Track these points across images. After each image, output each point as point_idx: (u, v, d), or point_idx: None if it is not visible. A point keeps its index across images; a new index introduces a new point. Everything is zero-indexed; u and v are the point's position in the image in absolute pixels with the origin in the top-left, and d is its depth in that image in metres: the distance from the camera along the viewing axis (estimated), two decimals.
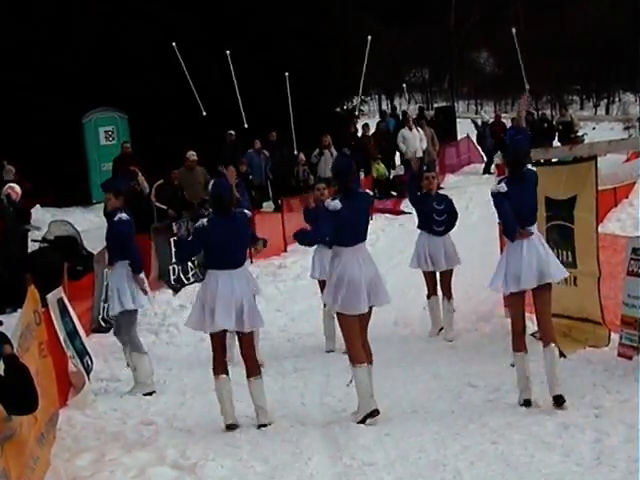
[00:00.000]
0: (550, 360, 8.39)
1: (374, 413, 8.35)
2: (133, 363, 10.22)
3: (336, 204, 8.41)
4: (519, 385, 8.56)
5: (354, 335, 8.50)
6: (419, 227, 11.99)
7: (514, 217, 8.44)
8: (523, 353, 8.52)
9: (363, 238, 8.56)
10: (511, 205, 8.43)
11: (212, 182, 9.04)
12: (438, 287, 11.94)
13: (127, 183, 11.43)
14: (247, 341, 8.67)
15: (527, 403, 8.48)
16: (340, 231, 8.40)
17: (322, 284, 11.05)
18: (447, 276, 11.86)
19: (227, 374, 8.61)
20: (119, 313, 10.25)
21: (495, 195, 8.53)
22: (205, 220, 8.68)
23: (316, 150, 23.92)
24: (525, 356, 8.51)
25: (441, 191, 12.89)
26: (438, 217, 11.81)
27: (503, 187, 8.49)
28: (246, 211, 11.40)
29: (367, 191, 9.12)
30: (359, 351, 8.47)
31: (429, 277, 11.94)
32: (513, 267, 8.47)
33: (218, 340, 8.62)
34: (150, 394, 10.00)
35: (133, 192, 11.16)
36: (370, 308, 8.55)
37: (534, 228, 8.61)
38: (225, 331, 8.61)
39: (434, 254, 11.74)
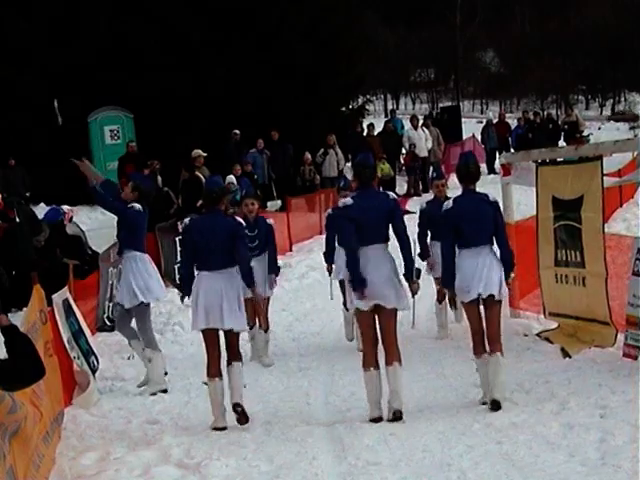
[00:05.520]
0: (493, 368, 8.37)
1: (376, 420, 8.33)
2: (147, 357, 10.18)
3: (347, 200, 8.44)
4: (482, 387, 8.57)
5: (366, 336, 8.51)
6: (432, 239, 11.83)
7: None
8: (484, 356, 8.47)
9: (379, 239, 8.36)
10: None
11: (206, 179, 9.16)
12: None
13: (150, 183, 11.46)
14: (231, 338, 8.62)
15: (487, 403, 8.44)
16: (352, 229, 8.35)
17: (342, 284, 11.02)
18: None
19: (219, 376, 8.55)
20: (133, 307, 10.20)
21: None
22: (188, 219, 8.93)
23: (321, 150, 23.92)
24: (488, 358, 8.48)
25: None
26: None
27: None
28: (269, 221, 11.40)
29: (390, 193, 8.74)
30: (368, 355, 8.45)
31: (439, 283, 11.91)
32: (462, 277, 8.49)
33: (207, 340, 8.59)
34: (155, 394, 9.99)
35: (152, 192, 11.18)
36: (392, 312, 8.49)
37: (487, 247, 8.53)
38: (216, 331, 8.56)
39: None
